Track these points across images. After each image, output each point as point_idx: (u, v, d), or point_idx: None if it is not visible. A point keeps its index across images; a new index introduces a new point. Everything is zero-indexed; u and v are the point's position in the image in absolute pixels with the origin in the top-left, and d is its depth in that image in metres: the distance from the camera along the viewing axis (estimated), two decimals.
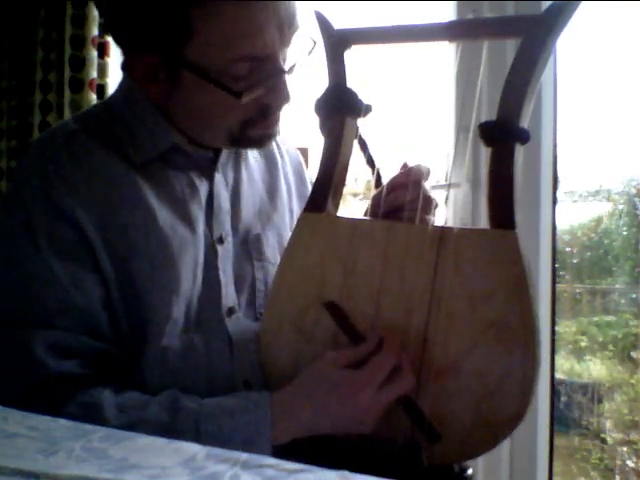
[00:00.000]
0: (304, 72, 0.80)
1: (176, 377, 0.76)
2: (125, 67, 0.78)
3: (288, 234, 0.90)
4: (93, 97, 1.63)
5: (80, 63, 1.62)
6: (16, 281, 0.74)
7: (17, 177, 0.79)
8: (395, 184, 0.82)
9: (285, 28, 0.73)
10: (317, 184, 0.79)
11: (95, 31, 1.61)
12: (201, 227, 0.81)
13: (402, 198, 0.79)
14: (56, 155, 0.76)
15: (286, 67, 0.76)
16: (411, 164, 0.83)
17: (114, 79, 1.63)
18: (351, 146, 0.80)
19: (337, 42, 0.78)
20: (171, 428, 0.68)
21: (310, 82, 0.85)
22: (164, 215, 0.77)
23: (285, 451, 0.79)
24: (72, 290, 0.73)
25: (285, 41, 0.74)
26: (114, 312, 0.75)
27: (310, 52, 0.78)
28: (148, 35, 0.72)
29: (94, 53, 1.63)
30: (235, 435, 0.68)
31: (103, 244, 0.74)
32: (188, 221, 0.79)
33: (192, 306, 0.78)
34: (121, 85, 0.85)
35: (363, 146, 0.83)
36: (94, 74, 1.63)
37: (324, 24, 0.79)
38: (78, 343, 0.73)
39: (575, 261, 1.95)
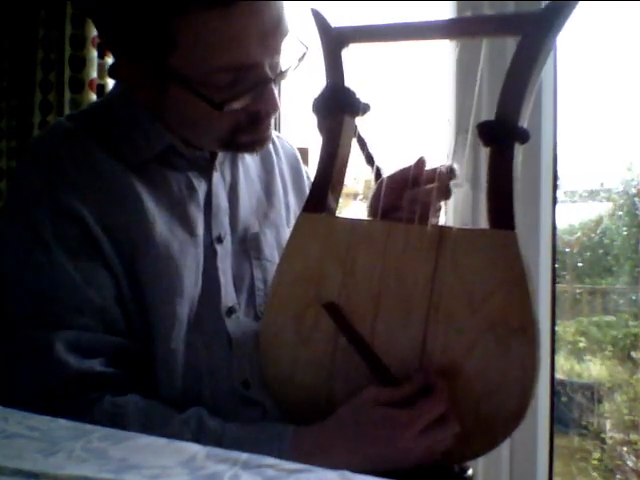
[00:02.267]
0: (304, 71, 0.80)
1: (180, 377, 0.77)
2: (112, 71, 0.77)
3: (286, 231, 0.90)
4: (93, 97, 1.63)
5: (80, 63, 1.62)
6: (29, 284, 0.73)
7: (17, 179, 0.79)
8: (423, 179, 0.80)
9: (268, 36, 0.71)
10: (315, 184, 0.79)
11: (95, 31, 1.61)
12: (200, 228, 0.81)
13: (428, 195, 0.77)
14: (56, 155, 0.76)
15: (274, 74, 0.75)
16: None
17: None
18: (349, 145, 0.80)
19: (335, 40, 0.78)
20: (195, 437, 0.67)
21: (309, 81, 0.84)
22: (162, 218, 0.77)
23: None
24: (85, 287, 0.73)
25: (270, 49, 0.72)
26: (127, 309, 0.75)
27: (301, 59, 0.77)
28: (133, 44, 0.72)
29: (94, 53, 1.63)
30: None
31: (109, 242, 0.74)
32: (187, 223, 0.79)
33: (194, 307, 0.79)
34: (116, 85, 0.85)
35: (362, 145, 0.82)
36: (94, 74, 1.63)
37: (321, 22, 0.78)
38: (97, 340, 0.73)
39: (575, 261, 1.95)
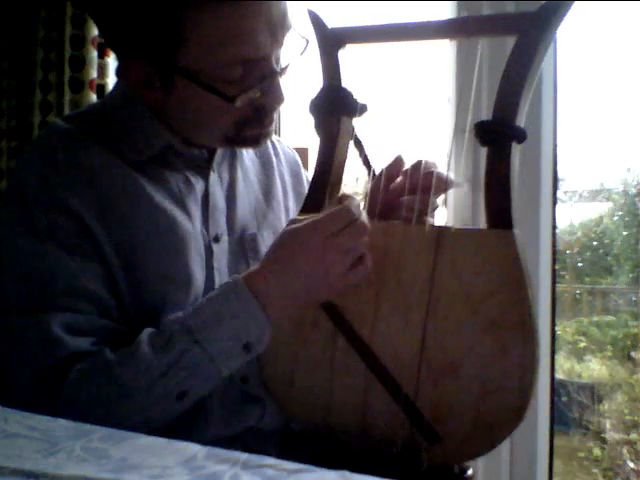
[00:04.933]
0: (303, 71, 0.80)
1: None
2: (119, 73, 0.78)
3: None
4: (93, 97, 1.63)
5: (80, 63, 1.62)
6: (24, 271, 0.74)
7: (15, 178, 0.79)
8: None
9: (277, 29, 0.72)
10: (313, 185, 0.79)
11: (95, 31, 1.61)
12: (198, 224, 0.81)
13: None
14: (53, 153, 0.76)
15: (279, 68, 0.76)
16: (405, 158, 0.83)
17: (114, 79, 1.62)
18: (347, 146, 0.80)
19: (331, 41, 0.78)
20: (166, 347, 0.69)
21: (309, 81, 0.84)
22: (164, 207, 0.78)
23: (285, 451, 0.79)
24: (81, 275, 0.73)
25: (277, 42, 0.74)
26: (122, 302, 0.75)
27: (303, 52, 0.78)
28: (140, 43, 0.72)
29: (94, 53, 1.62)
30: (229, 325, 0.69)
31: (107, 237, 0.74)
32: (187, 215, 0.80)
33: (199, 298, 0.78)
34: (116, 86, 0.85)
35: (359, 146, 0.82)
36: (94, 74, 1.63)
37: (317, 23, 0.78)
38: (91, 323, 0.73)
39: (575, 261, 1.95)
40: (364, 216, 0.72)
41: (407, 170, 0.82)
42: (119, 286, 0.75)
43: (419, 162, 0.81)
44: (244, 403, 0.82)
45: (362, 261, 0.71)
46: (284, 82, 0.77)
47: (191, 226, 0.80)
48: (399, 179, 0.83)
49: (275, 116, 0.81)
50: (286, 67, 0.77)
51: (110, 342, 0.73)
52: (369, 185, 0.83)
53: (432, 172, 0.79)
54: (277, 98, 0.77)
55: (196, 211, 0.81)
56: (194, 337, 0.68)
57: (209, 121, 0.77)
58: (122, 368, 0.69)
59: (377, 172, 0.84)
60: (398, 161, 0.83)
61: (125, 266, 0.75)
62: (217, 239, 0.82)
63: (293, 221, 0.74)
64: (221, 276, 0.82)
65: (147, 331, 0.71)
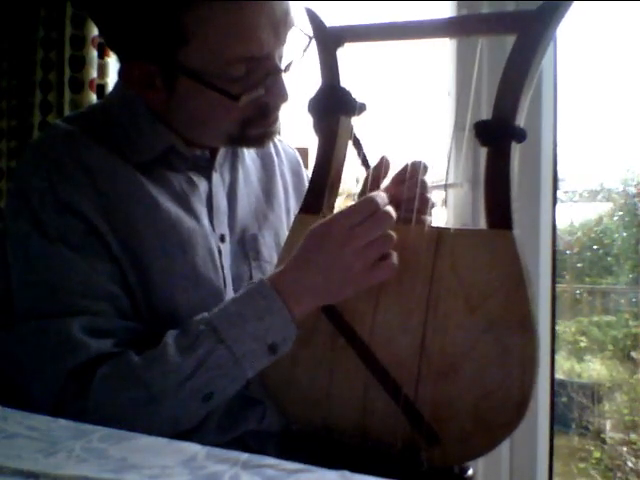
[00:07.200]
0: (303, 71, 0.80)
1: None
2: (122, 74, 0.78)
3: (285, 233, 0.90)
4: (93, 97, 1.63)
5: (80, 63, 1.62)
6: (38, 276, 0.73)
7: (18, 180, 0.79)
8: (397, 180, 0.81)
9: (280, 26, 0.72)
10: (312, 185, 0.79)
11: (95, 31, 1.61)
12: (206, 222, 0.81)
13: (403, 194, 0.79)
14: (56, 155, 0.76)
15: (282, 65, 0.76)
16: (390, 158, 0.83)
17: (114, 79, 1.62)
18: (346, 146, 0.80)
19: (329, 40, 0.78)
20: (192, 347, 0.68)
21: (309, 81, 0.84)
22: (168, 207, 0.77)
23: (285, 451, 0.79)
24: (95, 276, 0.73)
25: (280, 39, 0.73)
26: (135, 301, 0.75)
27: (305, 49, 0.78)
28: (142, 43, 0.72)
29: (94, 53, 1.63)
30: (254, 325, 0.68)
31: (114, 237, 0.74)
32: (193, 214, 0.80)
33: (214, 293, 0.78)
34: (116, 87, 0.85)
35: (358, 146, 0.82)
36: (94, 74, 1.63)
37: (316, 21, 0.78)
38: (110, 323, 0.72)
39: (575, 261, 1.95)
40: (389, 207, 0.69)
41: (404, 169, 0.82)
42: (130, 285, 0.75)
43: (383, 157, 0.82)
44: (244, 407, 0.81)
45: (387, 258, 0.70)
46: (288, 80, 0.77)
47: (197, 225, 0.79)
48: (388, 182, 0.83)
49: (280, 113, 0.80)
50: (289, 65, 0.77)
51: (131, 342, 0.73)
52: (368, 185, 0.83)
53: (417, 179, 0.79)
54: (281, 96, 0.76)
55: (202, 210, 0.81)
56: (220, 336, 0.68)
57: (212, 121, 0.77)
58: (149, 371, 0.68)
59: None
60: (383, 161, 0.83)
61: (133, 266, 0.75)
62: (222, 239, 0.82)
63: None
64: (229, 276, 0.81)
65: (172, 332, 0.71)
